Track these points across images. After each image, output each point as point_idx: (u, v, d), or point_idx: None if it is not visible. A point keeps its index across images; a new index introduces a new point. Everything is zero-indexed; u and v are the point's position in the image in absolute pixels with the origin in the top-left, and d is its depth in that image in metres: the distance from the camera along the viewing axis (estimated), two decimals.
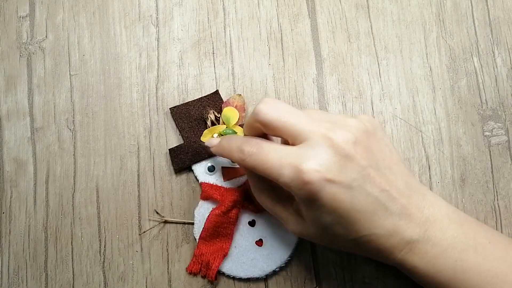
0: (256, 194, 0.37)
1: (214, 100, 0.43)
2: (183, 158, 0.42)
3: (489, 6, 0.44)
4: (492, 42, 0.44)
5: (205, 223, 0.40)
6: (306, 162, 0.29)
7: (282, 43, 0.44)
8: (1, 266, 0.42)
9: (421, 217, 0.32)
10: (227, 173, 0.41)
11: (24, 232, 0.42)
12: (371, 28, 0.44)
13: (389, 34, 0.44)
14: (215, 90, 0.43)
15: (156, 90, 0.44)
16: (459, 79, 0.43)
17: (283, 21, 0.45)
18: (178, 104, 0.43)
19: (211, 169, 0.41)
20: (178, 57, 0.44)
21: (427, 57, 0.44)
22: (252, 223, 0.41)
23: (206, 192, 0.41)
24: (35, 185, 0.43)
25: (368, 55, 0.44)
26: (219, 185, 0.41)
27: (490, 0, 0.44)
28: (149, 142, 0.43)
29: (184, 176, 0.42)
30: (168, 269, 0.41)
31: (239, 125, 0.42)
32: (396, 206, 0.32)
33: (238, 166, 0.41)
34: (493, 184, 0.42)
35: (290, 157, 0.30)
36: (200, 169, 0.41)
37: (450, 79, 0.43)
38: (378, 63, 0.44)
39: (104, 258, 0.41)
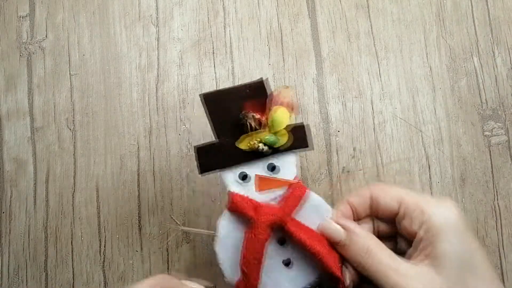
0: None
1: (257, 92, 0.34)
2: (212, 160, 0.34)
3: (489, 6, 0.44)
4: (492, 42, 0.44)
5: (242, 251, 0.32)
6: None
7: (282, 43, 0.44)
8: (1, 266, 0.42)
9: None
10: (262, 183, 0.34)
11: (24, 231, 0.42)
12: (371, 28, 0.44)
13: (389, 34, 0.44)
14: (259, 78, 0.34)
15: (156, 90, 0.44)
16: (459, 79, 0.43)
17: (283, 21, 0.45)
18: (209, 91, 0.34)
19: (244, 177, 0.34)
20: (178, 57, 0.44)
21: (427, 57, 0.44)
22: (281, 241, 0.34)
23: (236, 205, 0.33)
24: (35, 184, 0.43)
25: (368, 55, 0.44)
26: (251, 197, 0.33)
27: (490, 0, 0.44)
28: (149, 142, 0.43)
29: (184, 176, 0.42)
30: (168, 269, 0.41)
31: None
32: None
33: (276, 177, 0.34)
34: (493, 184, 0.42)
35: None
36: (231, 176, 0.34)
37: (450, 79, 0.43)
38: (378, 63, 0.44)
39: (104, 258, 0.41)
